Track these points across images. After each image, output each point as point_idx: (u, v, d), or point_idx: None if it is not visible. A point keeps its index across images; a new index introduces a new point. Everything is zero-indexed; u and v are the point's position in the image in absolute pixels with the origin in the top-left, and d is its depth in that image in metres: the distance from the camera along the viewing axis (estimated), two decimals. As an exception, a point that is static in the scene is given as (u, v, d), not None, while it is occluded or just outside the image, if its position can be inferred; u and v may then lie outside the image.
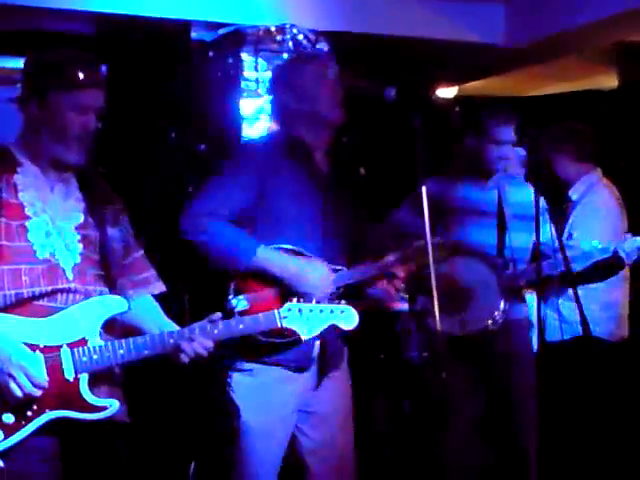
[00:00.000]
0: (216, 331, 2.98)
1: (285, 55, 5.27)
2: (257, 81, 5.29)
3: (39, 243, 2.91)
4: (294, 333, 3.12)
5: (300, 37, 5.29)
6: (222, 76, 5.34)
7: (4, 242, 2.88)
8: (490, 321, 4.11)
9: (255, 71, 5.30)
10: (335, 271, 3.65)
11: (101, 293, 2.98)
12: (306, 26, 5.37)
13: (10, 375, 2.76)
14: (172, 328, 3.04)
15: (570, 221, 4.82)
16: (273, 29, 5.31)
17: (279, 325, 3.10)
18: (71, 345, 2.86)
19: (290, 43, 5.29)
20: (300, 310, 3.11)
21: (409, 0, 5.69)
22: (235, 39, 5.32)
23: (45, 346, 2.84)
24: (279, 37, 5.30)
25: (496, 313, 4.11)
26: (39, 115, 2.94)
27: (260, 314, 3.10)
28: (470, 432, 4.23)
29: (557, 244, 3.75)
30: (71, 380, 2.85)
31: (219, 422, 3.77)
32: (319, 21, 5.48)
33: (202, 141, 5.36)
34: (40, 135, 2.96)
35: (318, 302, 3.41)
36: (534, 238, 3.73)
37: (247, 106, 5.30)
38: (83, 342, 2.88)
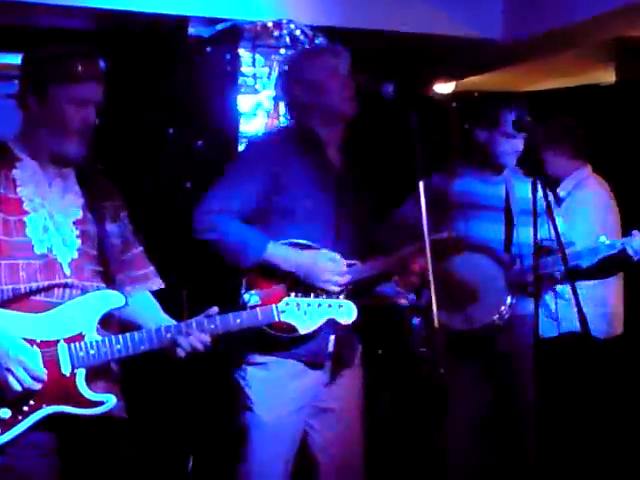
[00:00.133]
0: (213, 326, 2.98)
1: (283, 50, 5.28)
2: (254, 76, 5.29)
3: (37, 238, 2.92)
4: (293, 327, 3.13)
5: (297, 33, 5.29)
6: (219, 72, 5.33)
7: (2, 237, 2.88)
8: (497, 317, 4.10)
9: (252, 67, 5.29)
10: (348, 266, 3.64)
11: (98, 289, 2.99)
12: (303, 21, 5.37)
13: (8, 370, 2.76)
14: (170, 324, 3.03)
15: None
16: (270, 24, 5.30)
17: (277, 319, 3.10)
18: (68, 340, 2.86)
19: (287, 38, 5.29)
20: (298, 304, 3.11)
21: (406, -5, 5.70)
22: (232, 35, 5.31)
23: (42, 341, 2.84)
24: (276, 32, 5.30)
25: (502, 308, 4.10)
26: (38, 110, 2.95)
27: (258, 309, 3.11)
28: (473, 431, 4.21)
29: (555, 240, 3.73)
30: (68, 375, 2.85)
31: (230, 416, 3.76)
32: (316, 16, 5.48)
33: (199, 137, 5.36)
34: (39, 130, 2.96)
35: (317, 297, 3.40)
36: (541, 234, 3.70)
37: (244, 102, 5.30)
38: (80, 337, 2.88)
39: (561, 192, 4.91)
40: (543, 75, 7.20)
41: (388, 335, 5.29)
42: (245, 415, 3.65)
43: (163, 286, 3.23)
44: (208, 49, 5.42)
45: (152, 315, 3.11)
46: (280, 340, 3.47)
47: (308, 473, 3.76)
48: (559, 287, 4.18)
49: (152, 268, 3.23)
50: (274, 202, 3.64)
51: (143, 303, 3.16)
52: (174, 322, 3.04)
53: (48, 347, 2.84)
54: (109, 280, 3.03)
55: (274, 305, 3.10)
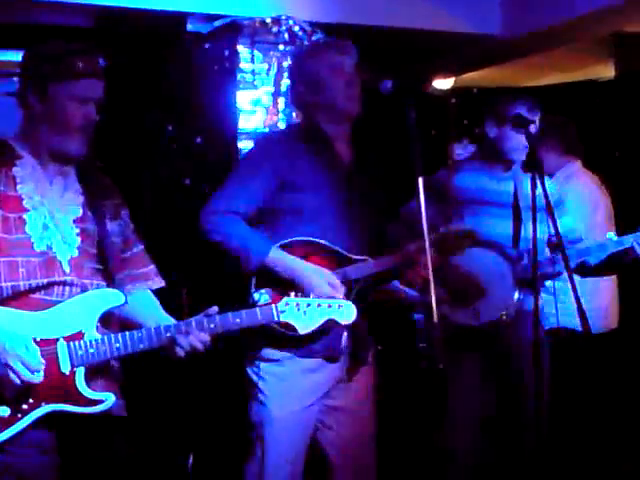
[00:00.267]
0: (212, 325, 2.98)
1: (281, 47, 5.27)
2: (253, 73, 5.28)
3: (37, 236, 2.92)
4: (293, 327, 3.13)
5: (296, 29, 5.29)
6: (218, 68, 5.33)
7: (1, 234, 2.88)
8: (504, 312, 4.10)
9: (251, 63, 5.28)
10: (359, 262, 3.63)
11: (98, 287, 2.99)
12: (302, 18, 5.36)
13: (7, 365, 2.77)
14: (170, 323, 3.03)
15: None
16: (269, 21, 5.30)
17: (276, 319, 3.10)
18: (67, 338, 2.86)
19: (286, 35, 5.28)
20: (298, 304, 3.11)
21: (405, -9, 5.69)
22: (231, 31, 5.31)
23: (41, 339, 2.84)
24: (275, 29, 5.29)
25: (510, 304, 4.11)
26: (39, 107, 2.94)
27: (257, 308, 3.11)
28: (474, 430, 4.21)
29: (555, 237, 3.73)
30: (67, 373, 2.85)
31: (237, 413, 3.75)
32: (315, 12, 5.47)
33: (198, 133, 5.36)
34: (40, 128, 2.96)
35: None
36: (549, 230, 3.69)
37: (243, 98, 5.30)
38: (80, 335, 2.88)
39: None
40: (542, 70, 7.20)
41: (390, 331, 5.29)
42: (257, 410, 3.64)
43: (164, 285, 3.23)
44: (207, 45, 5.42)
45: (152, 314, 3.11)
46: (291, 337, 3.43)
47: (320, 469, 3.76)
48: (547, 282, 4.18)
49: (153, 267, 3.23)
50: (283, 200, 3.62)
51: (143, 302, 3.16)
52: (174, 321, 3.03)
53: (47, 345, 2.84)
54: (109, 278, 3.03)
55: (274, 305, 3.10)
